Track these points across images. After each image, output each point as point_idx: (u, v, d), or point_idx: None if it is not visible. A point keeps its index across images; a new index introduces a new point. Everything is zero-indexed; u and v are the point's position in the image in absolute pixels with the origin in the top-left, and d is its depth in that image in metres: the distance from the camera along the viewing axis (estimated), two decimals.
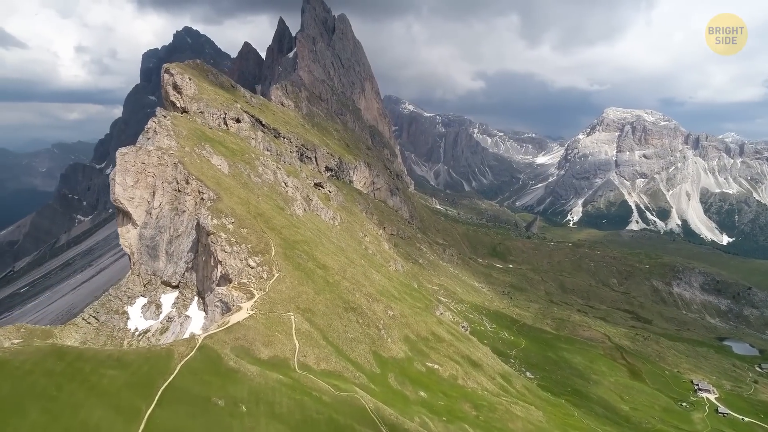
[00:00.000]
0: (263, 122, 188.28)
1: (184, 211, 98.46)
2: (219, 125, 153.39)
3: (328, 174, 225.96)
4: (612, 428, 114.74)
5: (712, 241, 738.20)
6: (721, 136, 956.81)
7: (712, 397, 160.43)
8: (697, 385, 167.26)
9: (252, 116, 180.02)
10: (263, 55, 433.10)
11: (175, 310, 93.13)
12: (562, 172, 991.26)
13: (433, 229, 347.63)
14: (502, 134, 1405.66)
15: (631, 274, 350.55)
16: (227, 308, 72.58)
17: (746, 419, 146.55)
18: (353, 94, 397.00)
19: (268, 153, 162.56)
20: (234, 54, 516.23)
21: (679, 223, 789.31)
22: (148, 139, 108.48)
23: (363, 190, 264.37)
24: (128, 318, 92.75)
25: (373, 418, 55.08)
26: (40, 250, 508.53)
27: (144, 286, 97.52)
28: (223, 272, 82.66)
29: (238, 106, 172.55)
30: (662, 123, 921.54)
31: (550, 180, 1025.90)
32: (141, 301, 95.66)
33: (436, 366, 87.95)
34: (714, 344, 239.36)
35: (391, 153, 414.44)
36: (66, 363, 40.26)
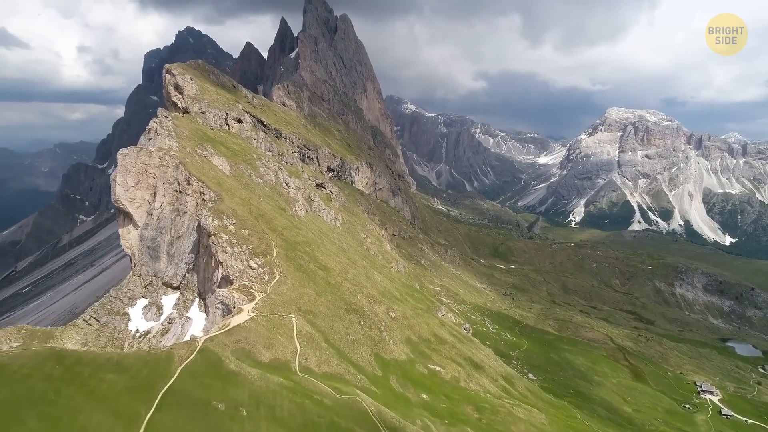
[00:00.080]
0: (265, 123, 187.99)
1: (185, 212, 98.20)
2: (220, 126, 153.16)
3: (330, 174, 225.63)
4: (615, 430, 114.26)
5: (715, 241, 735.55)
6: (723, 137, 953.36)
7: (715, 399, 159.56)
8: (700, 386, 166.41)
9: (253, 116, 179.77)
10: (265, 55, 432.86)
11: (176, 311, 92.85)
12: (564, 172, 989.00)
13: (435, 230, 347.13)
14: (504, 134, 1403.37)
15: (633, 274, 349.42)
16: (228, 310, 72.25)
17: (749, 421, 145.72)
18: (355, 94, 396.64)
19: (270, 153, 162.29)
20: (236, 54, 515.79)
21: (682, 223, 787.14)
22: (150, 139, 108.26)
23: (365, 190, 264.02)
24: (129, 319, 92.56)
25: (374, 422, 54.70)
26: (42, 250, 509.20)
27: (145, 287, 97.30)
28: (224, 274, 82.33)
29: (240, 106, 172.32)
30: (664, 123, 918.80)
31: (552, 180, 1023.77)
32: (142, 302, 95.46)
33: (438, 368, 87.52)
34: (717, 345, 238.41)
35: (393, 153, 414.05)
36: (65, 367, 39.95)
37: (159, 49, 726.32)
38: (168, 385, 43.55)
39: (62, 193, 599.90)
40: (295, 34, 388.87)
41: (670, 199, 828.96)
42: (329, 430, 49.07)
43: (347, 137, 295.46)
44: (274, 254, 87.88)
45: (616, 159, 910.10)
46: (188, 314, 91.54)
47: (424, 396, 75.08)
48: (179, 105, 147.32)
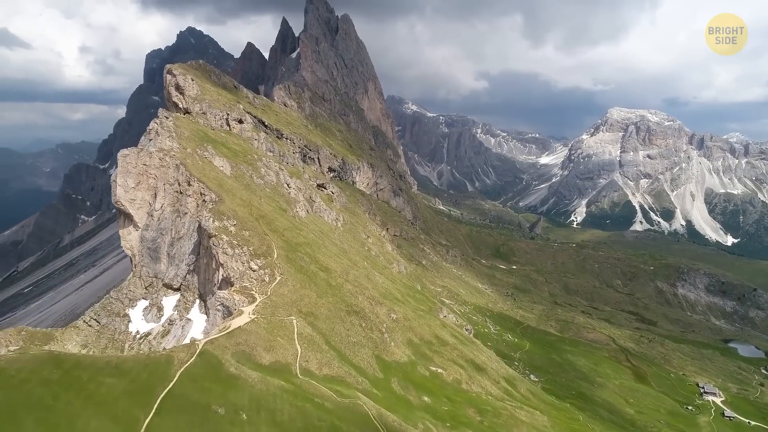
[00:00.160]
0: (266, 123, 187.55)
1: (186, 213, 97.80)
2: (221, 126, 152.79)
3: (331, 175, 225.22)
4: None
5: (717, 241, 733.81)
6: (725, 137, 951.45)
7: (718, 401, 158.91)
8: (703, 388, 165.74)
9: (255, 117, 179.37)
10: (266, 55, 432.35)
11: (176, 313, 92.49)
12: (566, 172, 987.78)
13: (437, 230, 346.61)
14: (505, 134, 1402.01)
15: (635, 275, 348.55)
16: (228, 312, 71.88)
17: (752, 423, 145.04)
18: (356, 94, 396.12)
19: (271, 154, 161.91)
20: (237, 54, 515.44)
21: (684, 223, 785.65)
22: (150, 140, 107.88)
23: (366, 190, 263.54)
24: (129, 321, 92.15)
25: (376, 425, 54.34)
26: (44, 251, 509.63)
27: (145, 288, 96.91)
28: (225, 275, 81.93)
29: (241, 106, 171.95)
30: (666, 123, 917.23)
31: (554, 180, 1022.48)
32: (142, 303, 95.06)
33: (439, 370, 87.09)
34: (719, 346, 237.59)
35: (394, 153, 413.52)
36: (63, 371, 39.58)
37: (160, 49, 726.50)
38: (167, 389, 43.20)
39: (64, 193, 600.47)
40: (297, 35, 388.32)
41: (672, 200, 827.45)
42: None
43: (348, 137, 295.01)
44: (275, 256, 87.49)
45: (618, 159, 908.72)
46: (189, 316, 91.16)
47: (426, 398, 74.67)
48: (180, 105, 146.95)
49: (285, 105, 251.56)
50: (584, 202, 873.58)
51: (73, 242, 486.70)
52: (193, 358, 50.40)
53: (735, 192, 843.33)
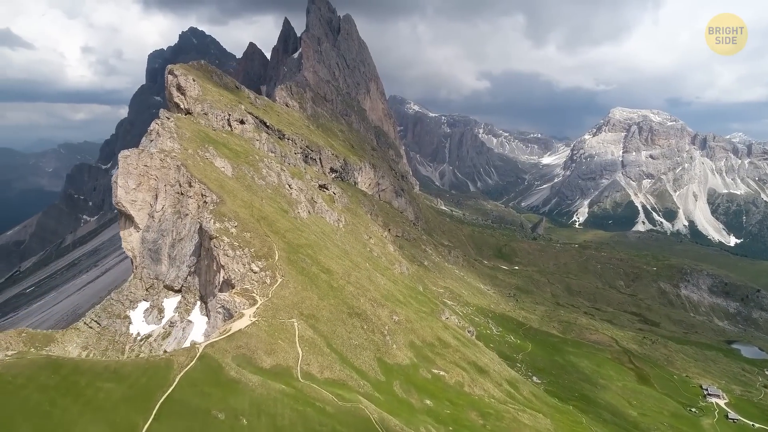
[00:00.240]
0: (267, 123, 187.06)
1: (187, 215, 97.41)
2: (223, 127, 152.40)
3: (333, 175, 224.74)
4: None
5: (720, 242, 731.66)
6: (728, 137, 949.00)
7: (721, 403, 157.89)
8: (707, 389, 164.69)
9: (256, 117, 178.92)
10: (268, 55, 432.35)
11: (177, 314, 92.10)
12: (568, 172, 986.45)
13: (439, 231, 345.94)
14: (507, 134, 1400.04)
15: (638, 276, 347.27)
16: (229, 315, 71.41)
17: (756, 425, 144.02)
18: (358, 94, 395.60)
19: (273, 154, 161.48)
20: (239, 54, 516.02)
21: (686, 224, 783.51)
22: (151, 141, 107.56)
23: (368, 191, 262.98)
24: (130, 322, 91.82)
25: (377, 430, 53.78)
26: (46, 251, 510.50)
27: (146, 290, 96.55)
28: (226, 277, 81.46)
29: (242, 107, 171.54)
30: (669, 123, 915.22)
31: (556, 180, 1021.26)
32: (143, 305, 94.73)
33: (442, 372, 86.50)
34: (723, 348, 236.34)
35: (396, 154, 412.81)
36: (61, 376, 39.07)
37: (163, 49, 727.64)
38: (167, 394, 42.69)
39: (66, 193, 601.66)
40: (299, 35, 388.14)
41: (675, 200, 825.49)
42: None
43: (350, 138, 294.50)
44: (276, 257, 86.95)
45: (620, 159, 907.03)
46: (189, 318, 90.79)
47: (428, 402, 74.12)
48: (182, 106, 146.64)
49: (287, 105, 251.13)
50: (586, 202, 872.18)
51: (75, 242, 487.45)
52: (193, 362, 49.88)
53: (738, 192, 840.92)
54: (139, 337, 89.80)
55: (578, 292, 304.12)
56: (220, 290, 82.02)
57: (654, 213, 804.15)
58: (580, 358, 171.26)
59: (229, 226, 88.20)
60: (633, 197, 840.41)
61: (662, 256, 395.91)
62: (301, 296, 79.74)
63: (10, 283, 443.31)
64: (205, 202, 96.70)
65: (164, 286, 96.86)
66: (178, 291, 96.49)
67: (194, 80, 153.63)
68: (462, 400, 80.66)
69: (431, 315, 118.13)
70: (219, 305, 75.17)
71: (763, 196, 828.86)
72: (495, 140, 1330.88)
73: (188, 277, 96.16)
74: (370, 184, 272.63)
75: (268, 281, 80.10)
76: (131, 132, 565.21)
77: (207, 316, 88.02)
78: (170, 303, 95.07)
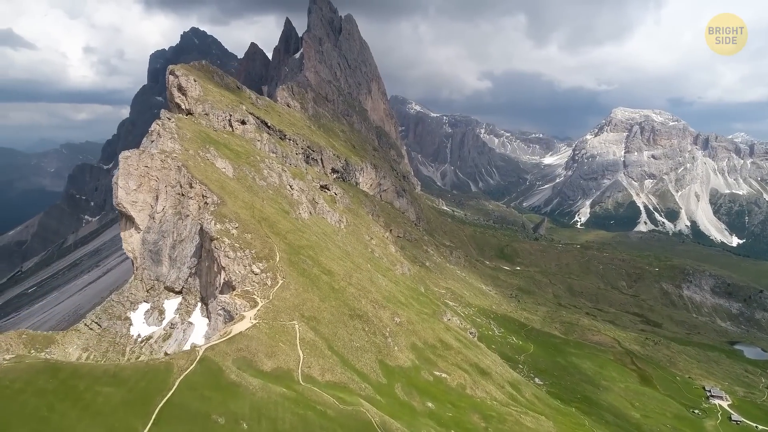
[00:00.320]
0: (269, 124, 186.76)
1: (188, 216, 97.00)
2: (224, 127, 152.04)
3: (335, 176, 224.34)
4: None
5: (722, 242, 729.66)
6: (730, 137, 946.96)
7: (724, 404, 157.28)
8: (710, 391, 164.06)
9: (257, 118, 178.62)
10: (270, 55, 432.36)
11: (178, 316, 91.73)
12: (570, 172, 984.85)
13: (440, 231, 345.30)
14: (509, 134, 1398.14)
15: (640, 276, 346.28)
16: (230, 317, 71.01)
17: (760, 427, 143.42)
18: (360, 94, 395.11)
19: (274, 155, 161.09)
20: (241, 54, 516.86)
21: (688, 224, 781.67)
22: (152, 142, 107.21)
23: (369, 191, 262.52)
24: (131, 324, 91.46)
25: None
26: (48, 251, 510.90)
27: (147, 291, 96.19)
28: (227, 279, 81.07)
29: (244, 107, 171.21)
30: (671, 123, 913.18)
31: (558, 181, 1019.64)
32: (144, 306, 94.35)
33: (443, 375, 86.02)
34: (725, 348, 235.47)
35: (398, 154, 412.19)
36: (59, 381, 38.68)
37: (164, 49, 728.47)
38: (166, 398, 42.30)
39: (68, 193, 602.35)
40: (300, 35, 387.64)
41: (677, 200, 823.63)
42: None
43: (352, 138, 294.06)
44: (277, 259, 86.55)
45: (622, 159, 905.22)
46: (190, 319, 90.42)
47: (430, 404, 73.66)
48: (183, 106, 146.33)
49: (288, 106, 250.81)
50: (588, 202, 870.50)
51: (77, 242, 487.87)
52: (193, 365, 49.49)
53: (740, 192, 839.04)
54: (139, 339, 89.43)
55: (580, 293, 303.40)
56: (221, 292, 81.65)
57: (656, 213, 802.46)
58: (582, 360, 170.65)
59: (230, 228, 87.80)
60: (635, 197, 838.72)
61: (664, 257, 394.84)
62: (302, 298, 79.32)
63: (11, 284, 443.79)
64: (205, 203, 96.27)
65: (165, 287, 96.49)
66: (179, 292, 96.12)
67: (195, 81, 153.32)
68: (464, 402, 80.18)
69: (433, 316, 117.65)
70: (220, 307, 74.79)
71: (765, 196, 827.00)
72: (497, 140, 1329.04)
73: (189, 279, 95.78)
74: (371, 185, 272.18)
75: (269, 283, 79.69)
76: (133, 132, 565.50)
77: (208, 317, 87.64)
78: (171, 304, 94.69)
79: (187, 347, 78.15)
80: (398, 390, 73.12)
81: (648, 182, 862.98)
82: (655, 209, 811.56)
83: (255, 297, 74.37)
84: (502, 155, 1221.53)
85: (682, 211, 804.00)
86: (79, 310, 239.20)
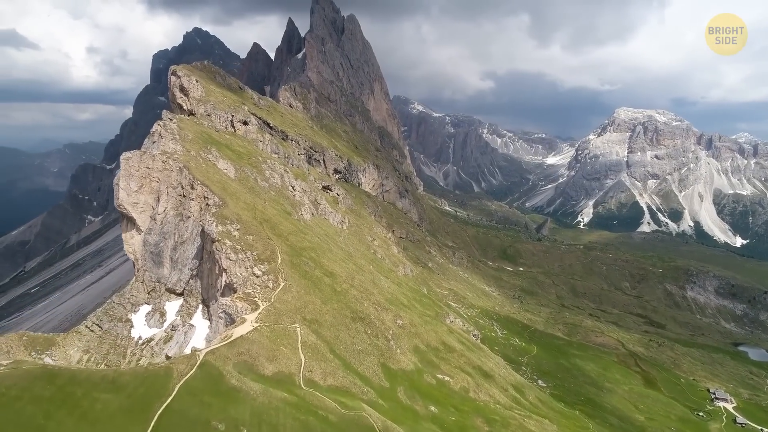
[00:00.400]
0: (271, 124, 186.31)
1: (189, 217, 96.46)
2: (226, 128, 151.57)
3: (337, 176, 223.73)
4: None
5: (726, 243, 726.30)
6: (734, 137, 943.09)
7: (729, 407, 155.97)
8: (714, 393, 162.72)
9: (259, 118, 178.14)
10: (272, 55, 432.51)
11: (179, 318, 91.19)
12: (573, 172, 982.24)
13: (443, 232, 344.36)
14: (511, 134, 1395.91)
15: (643, 277, 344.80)
16: (231, 320, 70.39)
17: (765, 430, 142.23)
18: (362, 94, 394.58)
19: (276, 156, 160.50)
20: (243, 55, 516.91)
21: (692, 224, 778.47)
22: (154, 142, 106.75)
23: (372, 192, 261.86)
24: (132, 326, 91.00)
25: None
26: (51, 251, 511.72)
27: (148, 293, 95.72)
28: (228, 281, 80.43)
29: (246, 108, 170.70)
30: (674, 123, 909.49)
31: (561, 181, 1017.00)
32: (145, 308, 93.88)
33: (446, 378, 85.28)
34: (729, 350, 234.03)
35: (400, 154, 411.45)
36: (56, 387, 38.06)
37: (167, 49, 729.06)
38: (165, 404, 41.66)
39: (71, 193, 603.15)
40: (302, 35, 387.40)
41: (680, 200, 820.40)
42: None
43: (354, 138, 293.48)
44: (279, 261, 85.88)
45: (625, 159, 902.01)
46: (191, 321, 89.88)
47: (433, 408, 72.87)
48: (185, 107, 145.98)
49: (290, 106, 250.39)
50: (591, 202, 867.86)
51: (79, 242, 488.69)
52: (193, 370, 48.88)
53: (744, 193, 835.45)
54: (140, 341, 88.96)
55: (583, 294, 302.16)
56: (222, 294, 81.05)
57: (659, 214, 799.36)
58: (586, 361, 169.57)
59: (232, 229, 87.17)
60: (638, 198, 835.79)
61: (668, 258, 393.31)
62: (304, 301, 78.66)
63: (15, 283, 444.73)
64: (207, 204, 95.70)
65: (166, 289, 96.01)
66: (180, 294, 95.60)
67: (197, 81, 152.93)
68: (467, 406, 79.38)
69: (436, 319, 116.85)
70: (221, 310, 74.19)
71: None
72: (499, 140, 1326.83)
73: (190, 281, 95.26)
74: (373, 185, 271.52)
75: (271, 285, 79.06)
76: (136, 132, 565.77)
77: (209, 320, 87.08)
78: (172, 306, 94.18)
79: (188, 350, 77.55)
80: (401, 394, 72.37)
81: (651, 182, 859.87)
82: (659, 209, 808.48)
83: (256, 300, 73.73)
84: (504, 155, 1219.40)
85: (686, 212, 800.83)
86: (82, 310, 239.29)
